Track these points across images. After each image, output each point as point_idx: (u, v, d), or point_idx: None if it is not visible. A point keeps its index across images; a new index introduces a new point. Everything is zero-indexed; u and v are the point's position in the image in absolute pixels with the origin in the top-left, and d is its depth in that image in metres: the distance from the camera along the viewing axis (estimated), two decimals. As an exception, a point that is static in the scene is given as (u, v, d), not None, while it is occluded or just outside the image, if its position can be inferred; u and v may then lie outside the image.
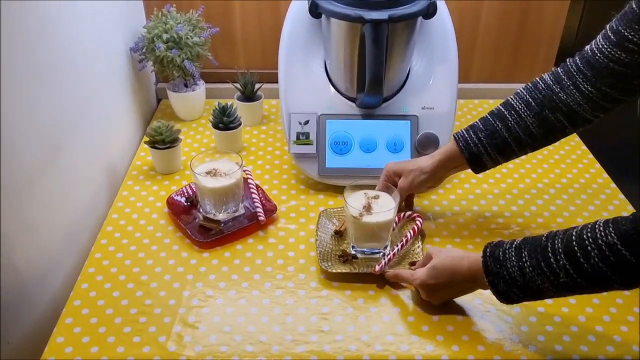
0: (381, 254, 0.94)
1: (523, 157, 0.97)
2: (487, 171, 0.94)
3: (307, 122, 1.09)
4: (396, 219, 0.96)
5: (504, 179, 1.14)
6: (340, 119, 1.09)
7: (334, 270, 0.91)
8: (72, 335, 0.81)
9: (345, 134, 1.09)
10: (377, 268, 0.89)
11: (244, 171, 1.08)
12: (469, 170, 0.94)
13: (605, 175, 1.16)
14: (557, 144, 0.95)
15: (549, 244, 0.69)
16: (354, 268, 0.92)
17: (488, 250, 0.75)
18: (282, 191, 1.11)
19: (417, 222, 0.99)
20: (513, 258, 0.72)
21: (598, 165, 1.19)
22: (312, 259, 0.95)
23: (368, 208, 0.92)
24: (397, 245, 0.93)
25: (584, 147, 1.23)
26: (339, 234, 0.98)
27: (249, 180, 1.07)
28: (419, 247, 0.96)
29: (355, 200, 0.93)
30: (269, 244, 0.98)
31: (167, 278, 0.91)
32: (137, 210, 1.05)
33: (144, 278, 0.91)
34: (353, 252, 0.94)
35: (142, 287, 0.89)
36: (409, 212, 1.01)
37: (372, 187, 0.96)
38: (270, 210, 1.03)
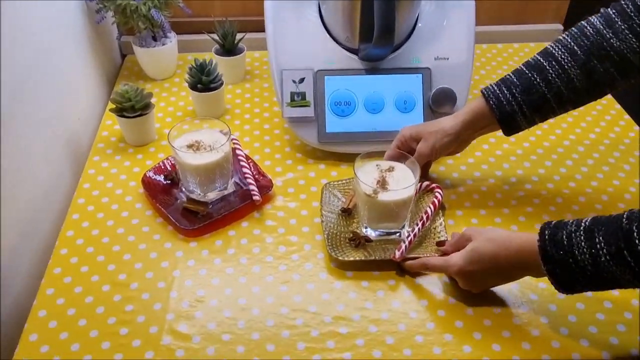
0: (398, 234, 0.81)
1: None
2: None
3: (302, 80, 0.93)
4: (414, 192, 0.82)
5: (525, 137, 1.00)
6: (341, 74, 0.93)
7: (347, 259, 0.77)
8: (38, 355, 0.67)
9: (347, 92, 0.93)
10: (398, 254, 0.76)
11: (231, 140, 0.93)
12: (499, 133, 0.81)
13: (637, 127, 1.03)
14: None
15: (634, 227, 0.56)
16: (368, 254, 0.78)
17: (547, 233, 0.62)
18: (276, 161, 0.96)
19: (437, 194, 0.85)
20: (583, 244, 0.59)
21: (627, 116, 1.06)
22: (319, 244, 0.81)
23: (383, 184, 0.78)
24: (417, 224, 0.80)
25: (609, 96, 1.10)
26: (347, 212, 0.85)
27: (238, 152, 0.92)
28: (440, 224, 0.82)
29: (366, 175, 0.79)
30: (267, 228, 0.84)
31: (149, 276, 0.77)
32: (108, 193, 0.89)
33: (122, 278, 0.76)
34: (365, 234, 0.81)
35: (121, 289, 0.75)
36: (426, 183, 0.88)
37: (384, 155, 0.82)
38: (266, 187, 0.88)
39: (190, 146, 0.84)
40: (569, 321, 0.71)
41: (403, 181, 0.78)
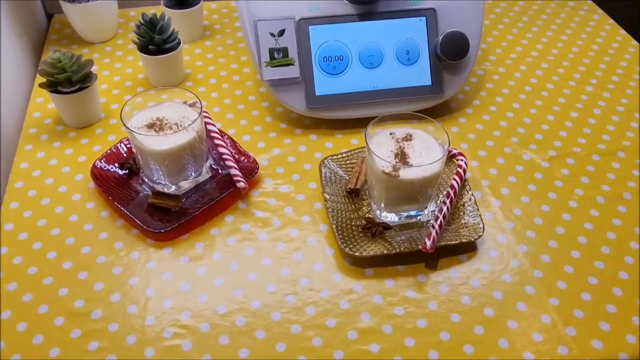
0: (421, 217, 0.66)
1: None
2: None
3: (282, 33, 0.75)
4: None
5: (520, 86, 0.87)
6: (329, 23, 0.76)
7: (365, 254, 0.62)
8: None
9: (337, 44, 0.76)
10: (429, 244, 0.61)
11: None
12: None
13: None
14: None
15: None
16: (390, 246, 0.63)
17: None
18: (257, 136, 0.78)
19: (460, 162, 0.70)
20: None
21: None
22: (325, 237, 0.66)
23: (402, 157, 0.62)
24: (444, 202, 0.65)
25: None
26: (355, 194, 0.69)
27: (209, 127, 0.74)
28: (470, 199, 0.68)
29: (379, 147, 0.63)
30: (258, 221, 0.67)
31: (115, 299, 0.60)
32: (48, 191, 0.70)
33: (79, 305, 0.59)
34: (382, 220, 0.66)
35: (79, 321, 0.58)
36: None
37: (399, 121, 0.66)
38: (249, 169, 0.71)
39: (151, 126, 0.65)
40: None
41: (426, 152, 0.63)
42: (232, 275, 0.62)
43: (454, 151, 0.72)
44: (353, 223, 0.66)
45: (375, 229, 0.64)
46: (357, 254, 0.62)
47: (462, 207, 0.67)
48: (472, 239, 0.63)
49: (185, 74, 0.88)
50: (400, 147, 0.63)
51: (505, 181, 0.72)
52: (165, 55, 0.81)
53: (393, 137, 0.65)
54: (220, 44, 0.94)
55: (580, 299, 0.60)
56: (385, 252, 0.62)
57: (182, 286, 0.61)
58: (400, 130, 0.65)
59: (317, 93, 0.76)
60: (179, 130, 0.64)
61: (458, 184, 0.67)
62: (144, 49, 0.81)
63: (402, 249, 0.62)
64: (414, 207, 0.65)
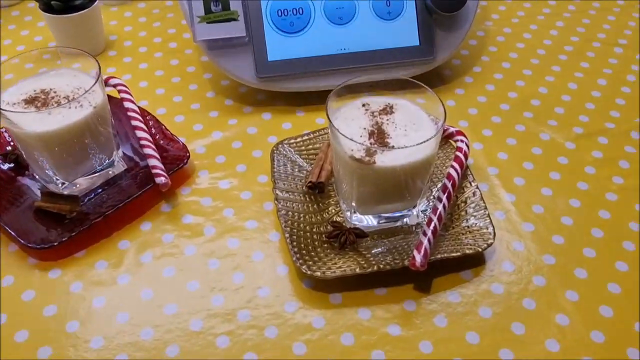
0: (406, 220, 0.48)
1: None
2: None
3: (220, -22, 0.57)
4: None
5: (531, 49, 0.69)
6: (283, -36, 0.58)
7: (329, 274, 0.44)
8: None
9: (295, -7, 0.58)
10: (419, 258, 0.43)
11: (114, 86, 0.57)
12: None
13: None
14: None
15: None
16: (365, 262, 0.45)
17: None
18: (193, 115, 0.60)
19: (461, 145, 0.52)
20: None
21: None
22: (277, 248, 0.48)
23: (380, 137, 0.44)
24: (440, 199, 0.47)
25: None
26: (318, 189, 0.51)
27: (127, 104, 0.56)
28: (474, 192, 0.50)
29: (348, 124, 0.45)
30: (185, 229, 0.49)
31: (-30, 348, 0.41)
32: None
33: None
34: (354, 224, 0.48)
35: None
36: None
37: (376, 90, 0.48)
38: (177, 159, 0.53)
39: (31, 101, 0.47)
40: None
41: (413, 130, 0.45)
42: (143, 308, 0.44)
43: (451, 129, 0.54)
44: (315, 230, 0.48)
45: (345, 238, 0.47)
46: (317, 273, 0.44)
47: (463, 204, 0.50)
48: (479, 249, 0.45)
49: (108, 40, 0.69)
50: (377, 123, 0.46)
51: (519, 168, 0.55)
52: (74, 14, 0.62)
53: (367, 110, 0.47)
54: (157, 5, 0.76)
55: (632, 330, 0.42)
56: (358, 270, 0.44)
57: (69, 325, 0.43)
58: (377, 100, 0.47)
59: (270, 58, 0.58)
60: (69, 106, 0.46)
61: (458, 173, 0.49)
62: (47, 6, 0.63)
63: (381, 266, 0.44)
64: (397, 207, 0.47)
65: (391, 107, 0.47)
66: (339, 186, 0.48)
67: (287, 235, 0.46)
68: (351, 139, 0.42)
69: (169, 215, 0.51)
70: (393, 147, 0.43)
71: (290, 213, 0.48)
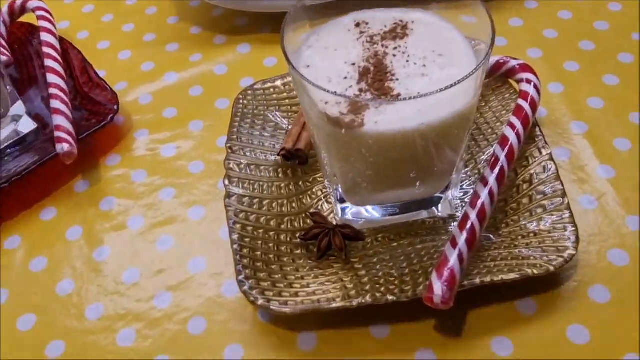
0: (434, 209, 0.30)
1: None
2: None
3: None
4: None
5: None
6: None
7: (291, 306, 0.27)
8: None
9: None
10: (440, 290, 0.25)
11: (32, 11, 0.41)
12: None
13: None
14: None
15: None
16: (354, 286, 0.28)
17: None
18: (142, 50, 0.44)
19: (526, 86, 0.33)
20: None
21: None
22: (228, 253, 0.31)
23: (379, 79, 0.26)
24: (488, 179, 0.29)
25: None
26: (297, 159, 0.33)
27: (44, 36, 0.40)
28: (544, 164, 0.31)
29: (330, 59, 0.27)
30: (102, 219, 0.34)
31: None
32: None
33: None
34: (345, 219, 0.30)
35: None
36: (494, 58, 0.34)
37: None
38: (100, 114, 0.36)
39: None
40: None
41: (437, 65, 0.26)
42: (16, 345, 0.29)
43: (512, 63, 0.34)
44: (285, 226, 0.31)
45: (328, 241, 0.29)
46: (274, 304, 0.27)
47: (526, 186, 0.30)
48: (550, 267, 0.27)
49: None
50: (376, 53, 0.27)
51: (622, 124, 0.34)
52: None
53: (363, 34, 0.28)
54: None
55: None
56: (339, 302, 0.27)
57: None
58: (381, 16, 0.28)
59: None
60: None
61: (519, 135, 0.30)
62: None
63: (378, 295, 0.27)
64: (412, 193, 0.29)
65: (404, 27, 0.28)
66: (320, 161, 0.31)
67: (235, 236, 0.29)
68: (319, 86, 0.24)
69: (83, 197, 0.35)
70: (399, 96, 0.25)
71: (247, 200, 0.31)
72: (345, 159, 0.27)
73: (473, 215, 0.27)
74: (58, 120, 0.35)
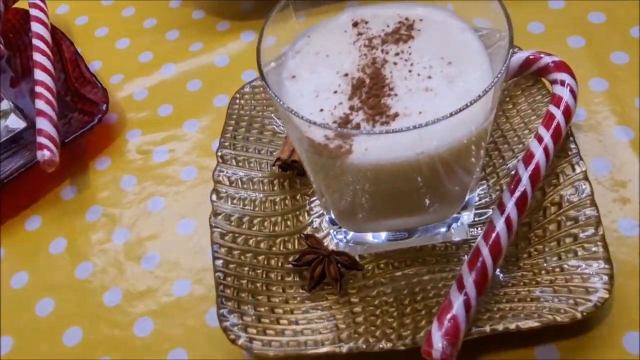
0: (446, 232, 0.26)
1: None
2: None
3: None
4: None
5: None
6: None
7: (275, 348, 0.24)
8: None
9: None
10: (440, 344, 0.21)
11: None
12: None
13: None
14: None
15: None
16: (346, 326, 0.24)
17: None
18: (141, 38, 0.41)
19: (560, 88, 0.28)
20: None
21: None
22: (211, 285, 0.28)
23: (374, 94, 0.22)
24: (505, 204, 0.24)
25: None
26: (295, 170, 0.30)
27: (34, 26, 0.37)
28: (577, 185, 0.26)
29: (318, 70, 0.23)
30: (88, 230, 0.32)
31: None
32: None
33: None
34: (340, 243, 0.27)
35: None
36: (524, 54, 0.30)
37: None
38: (89, 113, 0.34)
39: None
40: None
41: (443, 77, 0.22)
42: (-10, 373, 0.27)
43: (546, 59, 0.29)
44: (277, 249, 0.28)
45: (322, 270, 0.26)
46: (256, 344, 0.24)
47: (552, 209, 0.26)
48: (578, 313, 0.23)
49: None
50: (373, 61, 0.23)
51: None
52: None
53: (361, 36, 0.24)
54: None
55: None
56: (327, 346, 0.24)
57: None
58: (383, 13, 0.24)
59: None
60: None
61: (548, 150, 0.26)
62: None
63: (371, 341, 0.23)
64: (419, 220, 0.25)
65: (409, 27, 0.23)
66: (315, 187, 0.27)
67: (219, 262, 0.26)
68: (297, 113, 0.20)
69: (70, 205, 0.33)
70: (396, 116, 0.21)
71: (235, 218, 0.28)
72: (334, 188, 0.23)
73: (485, 251, 0.23)
74: (41, 123, 0.32)
